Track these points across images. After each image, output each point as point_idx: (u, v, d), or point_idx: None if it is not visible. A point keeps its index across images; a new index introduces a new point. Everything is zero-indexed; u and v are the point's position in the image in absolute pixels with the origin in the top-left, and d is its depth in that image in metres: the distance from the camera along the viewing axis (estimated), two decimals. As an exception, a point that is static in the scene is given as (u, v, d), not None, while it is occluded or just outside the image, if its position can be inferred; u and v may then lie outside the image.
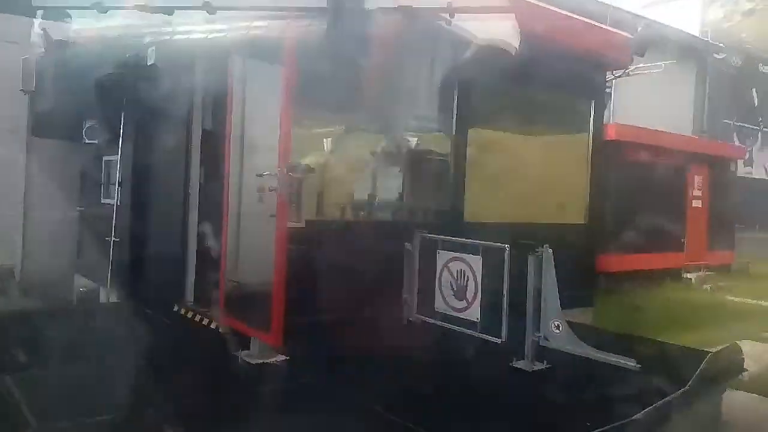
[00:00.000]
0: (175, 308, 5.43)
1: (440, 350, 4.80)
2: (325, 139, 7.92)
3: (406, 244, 5.47)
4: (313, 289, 4.66)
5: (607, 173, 8.62)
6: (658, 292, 10.58)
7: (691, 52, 15.78)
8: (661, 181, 11.79)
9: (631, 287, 10.38)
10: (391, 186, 6.98)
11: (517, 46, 5.24)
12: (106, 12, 4.90)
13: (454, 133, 6.30)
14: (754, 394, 5.22)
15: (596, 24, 7.14)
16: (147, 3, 4.56)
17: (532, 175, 8.59)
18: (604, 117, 9.13)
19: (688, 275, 12.23)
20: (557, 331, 4.34)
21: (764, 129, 18.61)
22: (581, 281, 7.03)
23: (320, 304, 4.75)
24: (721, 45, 16.78)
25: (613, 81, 11.81)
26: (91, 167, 7.72)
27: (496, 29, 5.26)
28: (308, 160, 6.04)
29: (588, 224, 7.40)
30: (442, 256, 5.19)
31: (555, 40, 6.14)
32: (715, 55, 16.72)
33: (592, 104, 7.54)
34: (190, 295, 5.55)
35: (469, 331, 4.78)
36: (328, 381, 3.80)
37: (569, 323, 4.37)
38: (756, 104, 18.45)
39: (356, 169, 7.06)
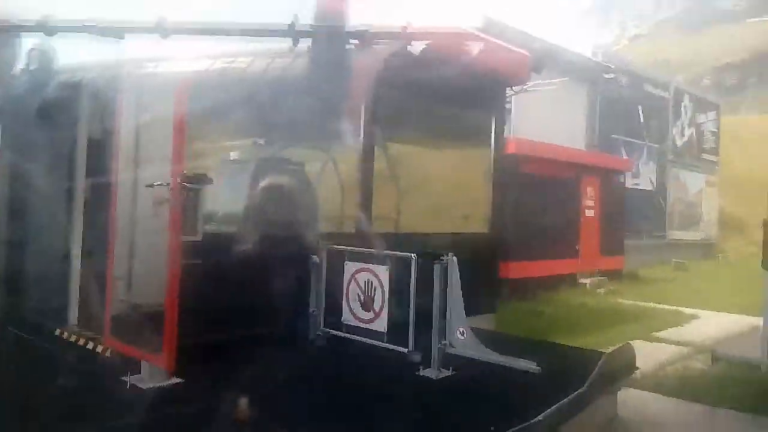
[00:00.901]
0: (57, 332, 4.97)
1: (347, 364, 4.70)
2: (227, 152, 7.68)
3: (312, 256, 5.35)
4: (212, 308, 4.40)
5: (507, 185, 8.92)
6: (556, 296, 11.06)
7: (583, 71, 16.78)
8: (557, 192, 12.42)
9: (531, 293, 10.80)
10: (297, 198, 6.84)
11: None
12: (53, 34, 4.63)
13: (362, 146, 6.26)
14: (645, 392, 5.52)
15: (498, 42, 7.38)
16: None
17: (438, 187, 8.75)
18: (505, 131, 9.45)
19: (583, 280, 12.89)
20: (462, 337, 4.37)
21: (649, 144, 20.10)
22: (485, 288, 7.18)
23: (219, 323, 4.50)
24: (611, 66, 17.98)
25: (512, 97, 12.40)
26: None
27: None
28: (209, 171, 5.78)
29: (490, 233, 7.58)
30: (350, 268, 5.12)
31: (460, 56, 6.29)
32: (605, 75, 17.85)
33: (494, 119, 7.77)
34: (73, 318, 5.10)
35: (376, 342, 4.72)
36: (224, 404, 3.57)
37: (473, 329, 4.42)
38: (641, 121, 19.90)
39: (261, 181, 6.85)
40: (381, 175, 6.94)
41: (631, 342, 5.34)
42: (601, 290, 12.55)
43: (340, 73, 5.56)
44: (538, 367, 4.09)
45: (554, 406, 3.57)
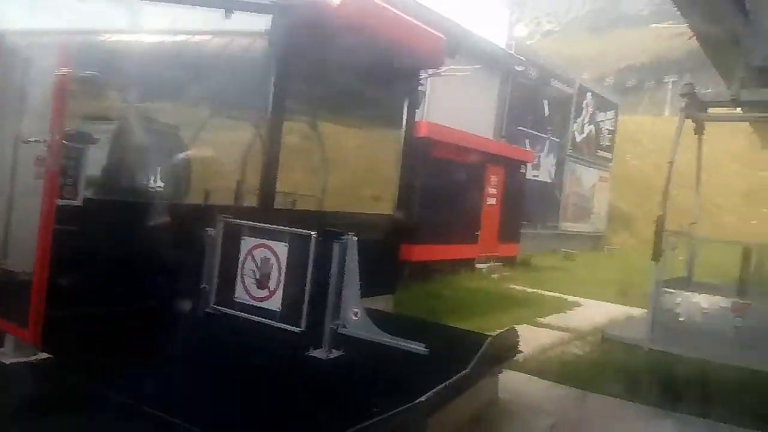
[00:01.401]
0: None
1: (235, 343, 4.57)
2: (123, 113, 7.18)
3: (207, 229, 5.12)
4: (89, 278, 4.11)
5: (416, 168, 9.00)
6: (454, 280, 11.41)
7: (496, 61, 17.18)
8: (463, 179, 12.72)
9: (431, 276, 11.06)
10: (193, 167, 6.52)
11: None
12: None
13: (268, 119, 6.04)
14: (526, 375, 5.82)
15: (414, 21, 7.31)
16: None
17: (347, 166, 8.67)
18: (418, 115, 9.49)
19: (480, 265, 13.37)
20: (355, 318, 4.36)
21: (551, 138, 21.03)
22: (386, 270, 7.24)
23: (97, 295, 4.21)
24: (522, 58, 18.54)
25: (428, 80, 12.49)
26: None
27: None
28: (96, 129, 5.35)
29: (395, 215, 7.62)
30: (247, 243, 4.96)
31: (376, 33, 6.18)
32: (516, 67, 18.40)
33: (407, 101, 7.75)
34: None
35: (268, 321, 4.62)
36: (93, 380, 3.35)
37: (368, 310, 4.42)
38: (546, 114, 20.75)
39: (156, 147, 6.47)
40: (288, 150, 6.78)
41: (516, 326, 5.58)
42: (496, 276, 13.07)
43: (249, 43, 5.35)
44: (426, 349, 4.16)
45: (437, 388, 3.66)
